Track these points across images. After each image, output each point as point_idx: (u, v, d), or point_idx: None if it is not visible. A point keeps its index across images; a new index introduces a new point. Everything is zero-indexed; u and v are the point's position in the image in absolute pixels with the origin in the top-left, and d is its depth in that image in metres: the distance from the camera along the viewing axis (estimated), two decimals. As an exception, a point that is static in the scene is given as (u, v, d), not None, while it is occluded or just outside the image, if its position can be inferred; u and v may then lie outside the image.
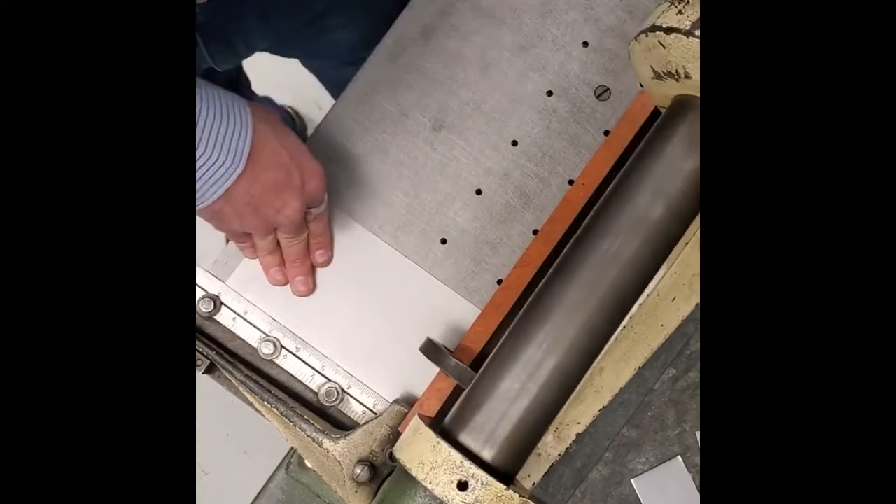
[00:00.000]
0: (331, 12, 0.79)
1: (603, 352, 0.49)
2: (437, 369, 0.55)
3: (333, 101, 0.66)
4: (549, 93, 0.64)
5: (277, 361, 0.60)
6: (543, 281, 0.49)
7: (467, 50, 0.65)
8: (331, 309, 0.62)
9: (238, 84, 1.03)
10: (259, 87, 1.13)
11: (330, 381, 0.60)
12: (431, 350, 0.53)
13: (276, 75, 1.15)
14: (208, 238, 0.56)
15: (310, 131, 0.74)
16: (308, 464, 0.57)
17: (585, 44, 0.65)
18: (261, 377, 0.59)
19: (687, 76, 0.45)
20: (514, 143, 0.64)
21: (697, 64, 0.43)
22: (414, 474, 0.44)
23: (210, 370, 0.59)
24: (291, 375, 0.60)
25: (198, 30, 0.70)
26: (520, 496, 0.43)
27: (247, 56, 0.81)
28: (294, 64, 1.00)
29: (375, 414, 0.59)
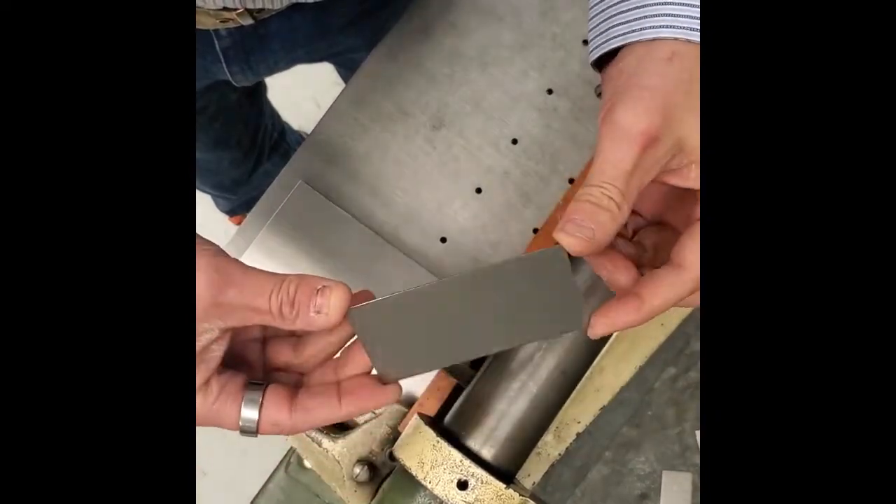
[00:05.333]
0: (356, 48, 0.80)
1: (603, 351, 0.49)
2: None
3: (333, 100, 0.66)
4: (550, 91, 0.64)
5: (276, 360, 0.60)
6: (544, 280, 0.49)
7: (467, 48, 0.65)
8: (330, 308, 0.61)
9: (256, 93, 1.04)
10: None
11: (329, 380, 0.60)
12: (431, 349, 0.53)
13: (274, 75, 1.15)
14: (209, 236, 0.55)
15: (309, 130, 0.74)
16: (307, 464, 0.57)
17: (585, 42, 0.65)
18: (260, 376, 0.58)
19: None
20: (515, 141, 0.64)
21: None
22: (414, 473, 0.44)
23: (209, 369, 0.58)
24: (291, 375, 0.60)
25: (221, 53, 0.70)
26: (520, 495, 0.43)
27: (267, 76, 0.81)
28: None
29: (375, 413, 0.59)
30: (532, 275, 0.36)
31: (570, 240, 0.33)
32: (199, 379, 0.35)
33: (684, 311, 0.57)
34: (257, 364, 0.39)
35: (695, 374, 0.62)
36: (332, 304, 0.35)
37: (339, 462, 0.55)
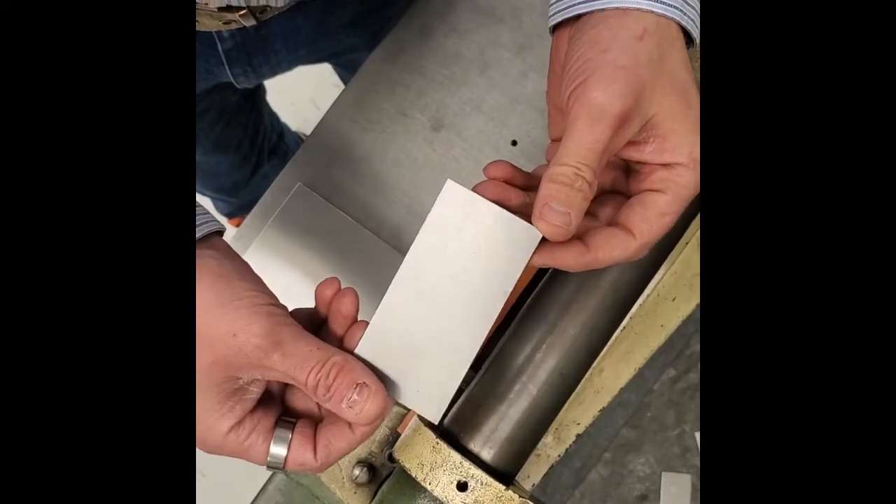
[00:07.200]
0: (357, 47, 0.81)
1: (603, 352, 0.49)
2: (436, 370, 0.55)
3: (332, 101, 0.66)
4: (549, 93, 0.64)
5: (276, 362, 0.60)
6: (543, 281, 0.49)
7: (466, 49, 0.65)
8: (329, 309, 0.61)
9: (255, 96, 1.04)
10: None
11: (329, 381, 0.59)
12: (431, 350, 0.53)
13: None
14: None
15: (308, 131, 0.74)
16: (307, 465, 0.57)
17: (585, 44, 0.65)
18: (259, 378, 0.58)
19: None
20: (514, 142, 0.64)
21: (698, 63, 0.43)
22: (413, 475, 0.44)
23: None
24: (290, 376, 0.60)
25: (224, 54, 0.71)
26: (519, 496, 0.43)
27: (269, 77, 0.81)
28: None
29: (374, 415, 0.59)
30: (455, 218, 0.36)
31: (550, 229, 0.34)
32: (234, 418, 0.35)
33: (683, 313, 0.57)
34: (277, 392, 0.39)
35: (694, 376, 0.62)
36: (366, 409, 0.35)
37: (338, 463, 0.55)
